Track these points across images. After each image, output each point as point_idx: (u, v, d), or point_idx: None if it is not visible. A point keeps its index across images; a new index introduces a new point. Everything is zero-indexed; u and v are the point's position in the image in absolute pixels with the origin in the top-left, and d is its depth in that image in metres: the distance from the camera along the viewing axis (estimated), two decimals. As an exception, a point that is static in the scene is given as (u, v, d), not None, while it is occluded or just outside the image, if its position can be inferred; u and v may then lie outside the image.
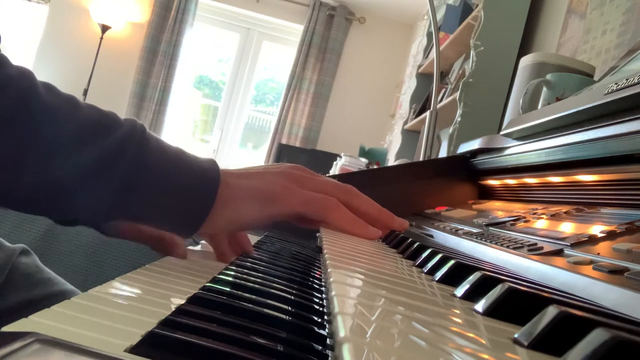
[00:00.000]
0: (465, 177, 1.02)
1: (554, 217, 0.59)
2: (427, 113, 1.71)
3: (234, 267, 0.49)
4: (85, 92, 4.25)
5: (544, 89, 0.96)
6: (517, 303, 0.25)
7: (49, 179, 0.41)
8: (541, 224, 0.59)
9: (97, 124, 0.43)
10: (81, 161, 0.41)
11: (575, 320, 0.20)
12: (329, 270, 0.28)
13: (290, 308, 0.36)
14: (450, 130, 2.07)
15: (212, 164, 0.48)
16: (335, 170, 3.19)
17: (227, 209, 0.47)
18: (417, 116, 3.15)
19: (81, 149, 0.42)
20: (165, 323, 0.28)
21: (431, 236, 0.72)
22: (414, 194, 0.99)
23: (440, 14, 2.75)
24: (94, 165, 0.41)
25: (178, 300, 0.33)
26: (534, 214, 0.64)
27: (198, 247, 0.63)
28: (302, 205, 0.49)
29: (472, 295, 0.28)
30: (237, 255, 0.57)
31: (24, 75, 0.41)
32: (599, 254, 0.41)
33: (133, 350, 0.24)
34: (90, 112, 0.44)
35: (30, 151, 0.40)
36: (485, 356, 0.18)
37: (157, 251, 0.54)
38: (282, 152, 4.40)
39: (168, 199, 0.45)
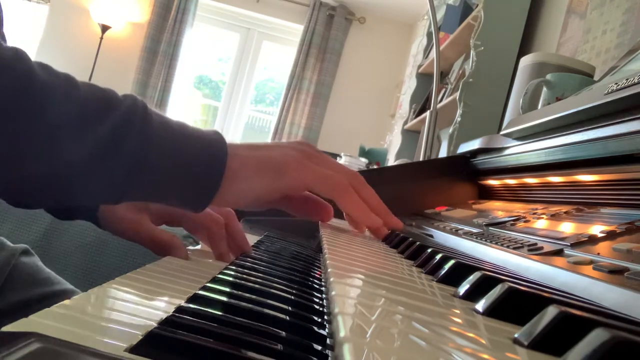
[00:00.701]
0: (465, 177, 1.02)
1: (554, 217, 0.59)
2: (427, 113, 1.71)
3: (233, 267, 0.49)
4: (85, 92, 4.25)
5: (544, 89, 0.96)
6: (517, 303, 0.25)
7: (53, 164, 0.39)
8: (541, 224, 0.59)
9: (98, 102, 0.41)
10: (87, 142, 0.40)
11: (575, 320, 0.20)
12: (329, 270, 0.28)
13: (290, 308, 0.36)
14: (450, 130, 2.07)
15: (217, 134, 0.47)
16: (335, 170, 3.18)
17: (237, 181, 0.46)
18: (417, 116, 3.15)
19: (85, 129, 0.40)
20: (165, 323, 0.28)
21: (431, 236, 0.72)
22: (414, 194, 0.99)
23: (440, 14, 2.75)
24: (101, 145, 0.40)
25: (178, 300, 0.33)
26: (534, 214, 0.64)
27: (198, 247, 0.63)
28: (314, 180, 0.49)
29: (472, 295, 0.28)
30: (235, 256, 0.57)
31: (20, 58, 0.39)
32: (599, 254, 0.41)
33: (133, 350, 0.24)
34: (89, 89, 0.42)
35: (32, 136, 0.38)
36: (485, 356, 0.18)
37: (157, 253, 0.54)
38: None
39: (177, 173, 0.43)
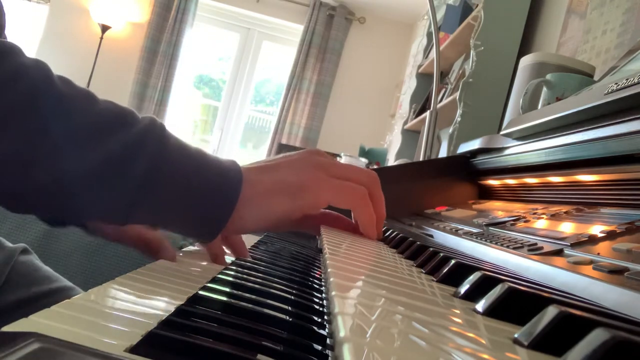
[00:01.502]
0: (465, 177, 1.02)
1: (554, 217, 0.59)
2: (427, 113, 1.71)
3: (234, 267, 0.49)
4: (85, 92, 4.25)
5: (544, 89, 0.96)
6: (517, 303, 0.25)
7: (61, 175, 0.38)
8: (541, 224, 0.59)
9: (115, 118, 0.41)
10: (96, 156, 0.39)
11: (575, 320, 0.20)
12: (329, 270, 0.28)
13: (290, 308, 0.36)
14: (450, 130, 2.07)
15: (234, 164, 0.46)
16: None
17: (252, 208, 0.45)
18: (417, 116, 3.15)
19: (97, 143, 0.39)
20: (165, 323, 0.28)
21: (431, 236, 0.72)
22: (414, 194, 0.99)
23: (440, 14, 2.75)
24: (110, 161, 0.39)
25: (178, 301, 0.33)
26: (534, 214, 0.64)
27: (194, 248, 0.63)
28: (333, 194, 0.48)
29: (472, 295, 0.28)
30: (235, 256, 0.57)
31: (39, 66, 0.39)
32: (599, 254, 0.41)
33: (133, 350, 0.24)
34: (107, 106, 0.42)
35: (42, 145, 0.38)
36: (485, 356, 0.18)
37: (145, 255, 0.54)
38: (282, 152, 4.39)
39: (188, 200, 0.42)
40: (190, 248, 0.60)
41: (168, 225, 0.45)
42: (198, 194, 0.42)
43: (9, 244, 0.70)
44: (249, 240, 0.69)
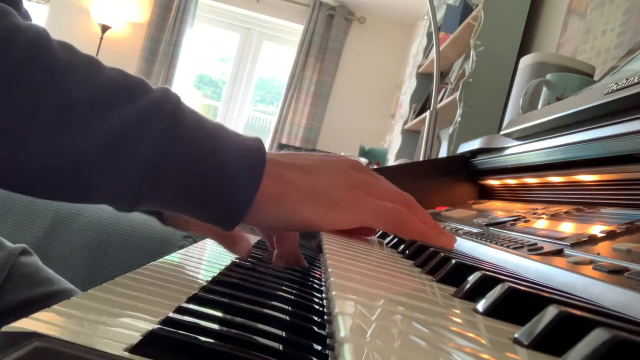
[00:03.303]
0: (465, 177, 1.02)
1: (554, 217, 0.59)
2: (427, 113, 1.71)
3: (234, 268, 0.49)
4: (85, 92, 4.25)
5: (544, 89, 0.96)
6: (517, 303, 0.25)
7: (62, 149, 0.34)
8: (541, 224, 0.59)
9: (121, 89, 0.36)
10: (99, 133, 0.35)
11: (575, 320, 0.20)
12: (329, 270, 0.28)
13: (290, 308, 0.36)
14: (450, 130, 2.07)
15: (258, 143, 0.41)
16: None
17: (277, 205, 0.41)
18: (417, 116, 3.15)
19: (99, 117, 0.35)
20: (165, 323, 0.28)
21: (431, 236, 0.72)
22: (414, 194, 0.98)
23: (440, 14, 2.75)
24: (114, 139, 0.35)
25: (178, 301, 0.33)
26: (534, 214, 0.64)
27: (197, 245, 0.63)
28: (372, 216, 0.44)
29: (472, 295, 0.28)
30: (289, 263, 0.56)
31: (36, 30, 0.35)
32: (599, 254, 0.41)
33: (133, 350, 0.24)
34: (113, 75, 0.37)
35: (41, 116, 0.34)
36: (485, 356, 0.18)
37: (223, 245, 0.53)
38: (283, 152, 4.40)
39: (202, 185, 0.38)
40: (196, 245, 0.60)
41: (182, 212, 0.41)
42: (213, 178, 0.38)
43: (9, 244, 0.70)
44: (249, 240, 0.69)
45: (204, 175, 0.38)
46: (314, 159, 0.46)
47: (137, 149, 0.35)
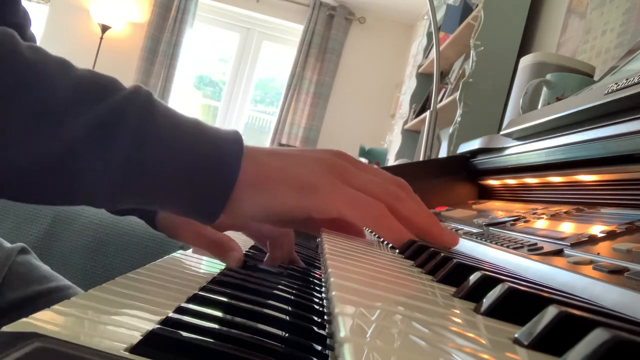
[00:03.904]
0: (465, 177, 1.02)
1: (554, 217, 0.59)
2: (427, 113, 1.71)
3: (234, 268, 0.49)
4: (85, 92, 4.25)
5: (544, 89, 0.96)
6: (517, 303, 0.25)
7: (35, 152, 0.34)
8: (541, 224, 0.59)
9: (92, 86, 0.36)
10: (69, 133, 0.34)
11: (575, 320, 0.20)
12: (329, 270, 0.28)
13: (290, 308, 0.36)
14: (450, 130, 2.07)
15: (235, 134, 0.40)
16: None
17: (255, 191, 0.40)
18: (417, 116, 3.15)
19: (74, 113, 0.35)
20: (165, 323, 0.28)
21: (431, 236, 0.72)
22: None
23: (440, 14, 2.75)
24: (86, 138, 0.34)
25: (178, 301, 0.33)
26: (534, 214, 0.64)
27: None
28: (346, 205, 0.42)
29: (472, 295, 0.28)
30: (285, 262, 0.56)
31: (2, 32, 0.34)
32: (599, 254, 0.41)
33: (133, 350, 0.24)
34: (84, 75, 0.37)
35: (11, 119, 0.33)
36: (485, 356, 0.18)
37: (215, 255, 0.52)
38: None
39: (180, 177, 0.37)
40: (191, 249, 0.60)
41: (163, 206, 0.40)
42: (192, 169, 0.37)
43: (7, 244, 0.70)
44: (250, 240, 0.69)
45: (181, 165, 0.37)
46: (295, 149, 0.45)
47: (111, 146, 0.35)
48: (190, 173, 0.38)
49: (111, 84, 0.37)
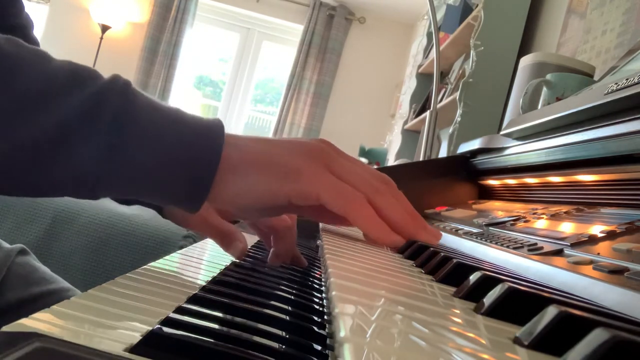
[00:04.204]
0: (465, 177, 1.02)
1: (554, 217, 0.59)
2: (427, 113, 1.71)
3: (234, 268, 0.49)
4: (85, 92, 4.26)
5: (544, 89, 0.96)
6: (517, 303, 0.25)
7: (14, 141, 0.34)
8: (541, 224, 0.59)
9: (72, 75, 0.36)
10: (49, 122, 0.34)
11: (575, 320, 0.20)
12: (329, 270, 0.28)
13: (290, 308, 0.36)
14: (450, 130, 2.07)
15: (217, 121, 0.40)
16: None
17: (238, 177, 0.39)
18: (417, 116, 3.15)
19: (52, 103, 0.35)
20: (165, 323, 0.28)
21: (431, 236, 0.72)
22: (414, 194, 0.99)
23: (440, 14, 2.75)
24: (66, 127, 0.35)
25: (178, 301, 0.33)
26: (534, 214, 0.64)
27: (197, 245, 0.63)
28: (326, 192, 0.41)
29: (472, 295, 0.28)
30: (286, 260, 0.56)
31: None
32: (599, 254, 0.41)
33: (133, 350, 0.24)
34: (63, 65, 0.37)
35: None
36: (485, 356, 0.18)
37: (220, 244, 0.53)
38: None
39: (162, 163, 0.37)
40: (196, 245, 0.60)
41: (145, 195, 0.39)
42: (172, 156, 0.37)
43: (7, 245, 0.70)
44: (250, 240, 0.69)
45: (161, 151, 0.37)
46: (280, 138, 0.45)
47: (90, 134, 0.35)
48: (171, 160, 0.37)
49: (90, 73, 0.37)
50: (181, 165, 0.37)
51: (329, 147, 0.45)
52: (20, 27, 0.65)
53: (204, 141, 0.38)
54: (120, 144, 0.36)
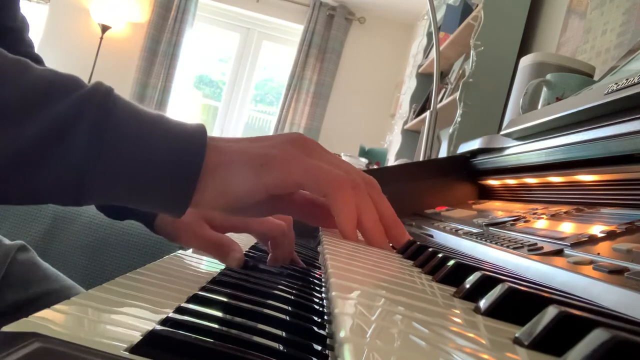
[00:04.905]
0: (465, 177, 1.02)
1: (554, 217, 0.59)
2: (427, 113, 1.71)
3: (234, 268, 0.49)
4: (85, 92, 4.26)
5: (544, 89, 0.96)
6: (517, 303, 0.25)
7: None
8: (541, 224, 0.59)
9: (54, 84, 0.36)
10: (29, 131, 0.34)
11: (575, 320, 0.20)
12: (329, 270, 0.28)
13: (290, 308, 0.36)
14: (450, 130, 2.07)
15: (199, 126, 0.40)
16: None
17: (217, 179, 0.39)
18: (417, 116, 3.15)
19: (33, 112, 0.35)
20: (165, 323, 0.28)
21: (431, 236, 0.72)
22: (414, 194, 0.99)
23: (440, 14, 2.75)
24: (46, 136, 0.34)
25: (178, 301, 0.33)
26: (534, 214, 0.64)
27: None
28: (303, 173, 0.40)
29: (472, 295, 0.28)
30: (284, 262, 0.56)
31: None
32: (599, 254, 0.41)
33: (133, 350, 0.24)
34: (44, 74, 0.36)
35: None
36: (485, 356, 0.18)
37: (216, 256, 0.52)
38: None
39: (144, 169, 0.37)
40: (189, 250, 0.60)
41: (131, 201, 0.39)
42: (154, 162, 0.37)
43: (7, 241, 0.70)
44: (250, 240, 0.69)
45: (143, 158, 0.37)
46: (258, 136, 0.44)
47: (70, 143, 0.35)
48: (153, 167, 0.37)
49: (71, 82, 0.37)
50: (162, 173, 0.37)
51: (311, 140, 0.44)
52: (16, 29, 0.65)
53: (185, 150, 0.38)
54: (100, 153, 0.36)
